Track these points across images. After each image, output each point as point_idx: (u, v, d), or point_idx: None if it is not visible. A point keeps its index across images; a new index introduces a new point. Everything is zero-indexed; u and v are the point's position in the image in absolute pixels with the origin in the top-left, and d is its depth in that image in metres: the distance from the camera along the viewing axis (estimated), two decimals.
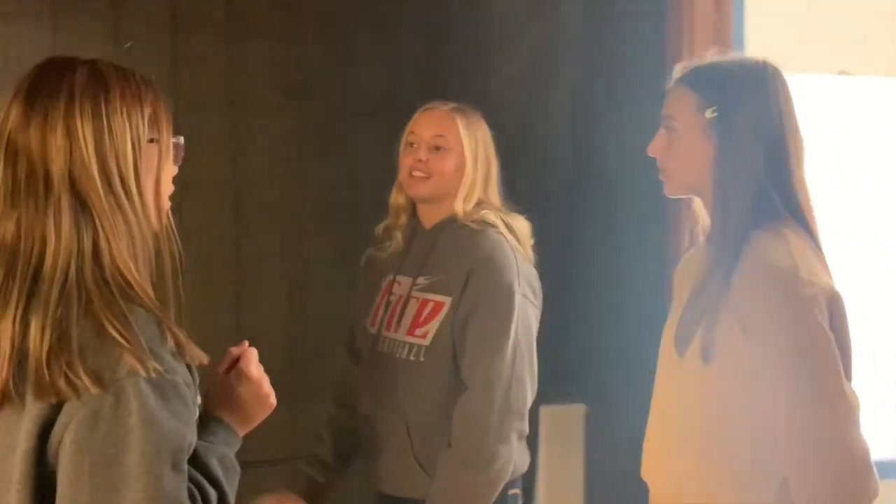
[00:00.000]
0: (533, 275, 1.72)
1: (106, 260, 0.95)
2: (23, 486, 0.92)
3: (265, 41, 2.84)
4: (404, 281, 1.74)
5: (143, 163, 0.99)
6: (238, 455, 1.07)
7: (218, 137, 2.79)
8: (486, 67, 2.91)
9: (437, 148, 1.70)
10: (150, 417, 0.90)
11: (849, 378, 1.25)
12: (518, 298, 1.63)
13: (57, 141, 0.95)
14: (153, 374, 0.91)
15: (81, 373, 0.90)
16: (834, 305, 1.24)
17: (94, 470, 0.89)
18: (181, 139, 1.07)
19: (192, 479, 0.96)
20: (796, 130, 1.32)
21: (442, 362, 1.66)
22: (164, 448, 0.90)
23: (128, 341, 0.91)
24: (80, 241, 0.95)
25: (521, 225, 1.74)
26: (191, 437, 0.95)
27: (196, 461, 0.99)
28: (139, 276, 0.97)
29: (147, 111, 1.00)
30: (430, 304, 1.68)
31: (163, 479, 0.89)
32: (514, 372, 1.62)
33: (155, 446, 0.90)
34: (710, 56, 1.40)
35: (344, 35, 2.88)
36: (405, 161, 1.73)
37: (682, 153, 1.35)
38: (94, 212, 0.95)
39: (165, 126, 1.03)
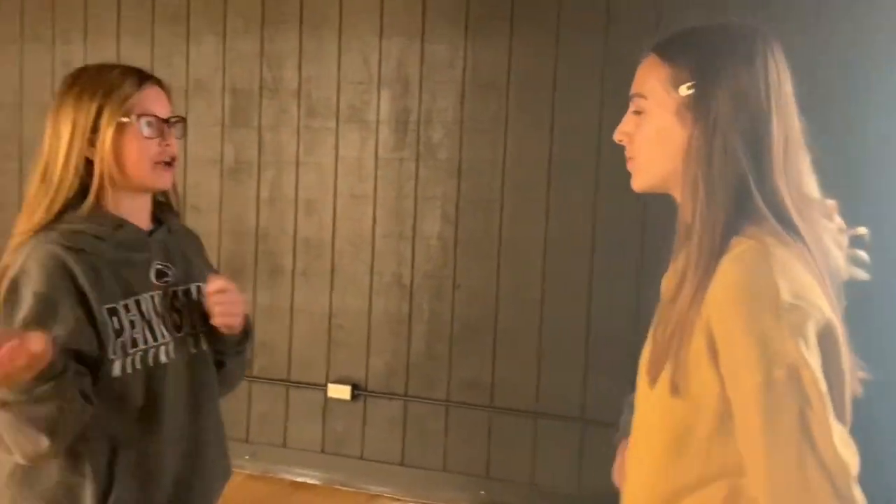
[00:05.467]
0: None
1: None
2: None
3: None
4: None
5: (84, 140, 1.44)
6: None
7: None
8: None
9: None
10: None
11: (844, 422, 1.01)
12: None
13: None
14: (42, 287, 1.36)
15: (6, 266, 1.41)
16: (826, 335, 0.99)
17: None
18: (131, 119, 1.46)
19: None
20: (786, 114, 1.06)
21: None
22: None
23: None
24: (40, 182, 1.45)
25: None
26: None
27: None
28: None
29: (94, 104, 1.44)
30: None
31: None
32: None
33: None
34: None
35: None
36: None
37: (652, 139, 1.11)
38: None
39: (110, 113, 1.43)
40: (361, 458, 3.51)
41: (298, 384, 3.58)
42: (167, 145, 1.49)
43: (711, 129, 1.04)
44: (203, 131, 3.66)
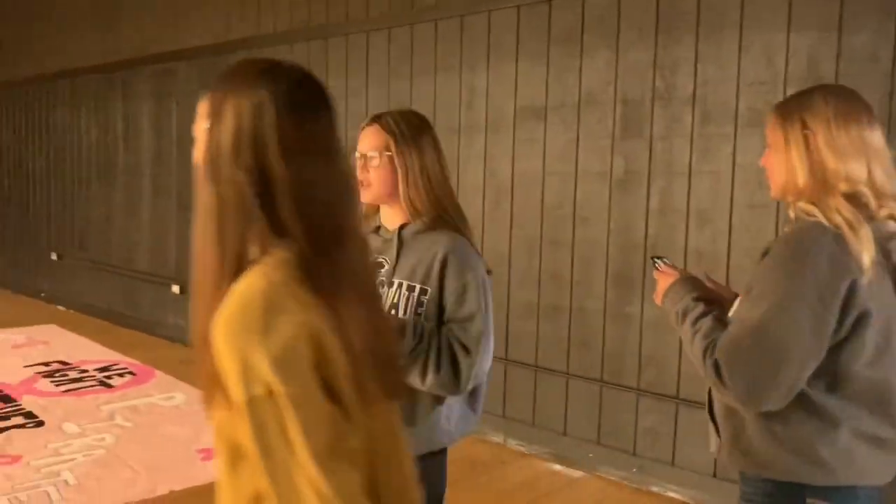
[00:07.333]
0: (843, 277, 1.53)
1: None
2: None
3: None
4: None
5: None
6: None
7: None
8: None
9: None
10: None
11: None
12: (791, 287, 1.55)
13: None
14: None
15: None
16: (321, 350, 1.04)
17: None
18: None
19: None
20: (310, 156, 1.09)
21: None
22: None
23: None
24: None
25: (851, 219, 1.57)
26: None
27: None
28: None
29: None
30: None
31: None
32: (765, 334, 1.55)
33: None
34: None
35: None
36: None
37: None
38: None
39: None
40: None
41: (688, 402, 3.44)
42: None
43: (213, 160, 1.09)
44: (592, 144, 3.71)
